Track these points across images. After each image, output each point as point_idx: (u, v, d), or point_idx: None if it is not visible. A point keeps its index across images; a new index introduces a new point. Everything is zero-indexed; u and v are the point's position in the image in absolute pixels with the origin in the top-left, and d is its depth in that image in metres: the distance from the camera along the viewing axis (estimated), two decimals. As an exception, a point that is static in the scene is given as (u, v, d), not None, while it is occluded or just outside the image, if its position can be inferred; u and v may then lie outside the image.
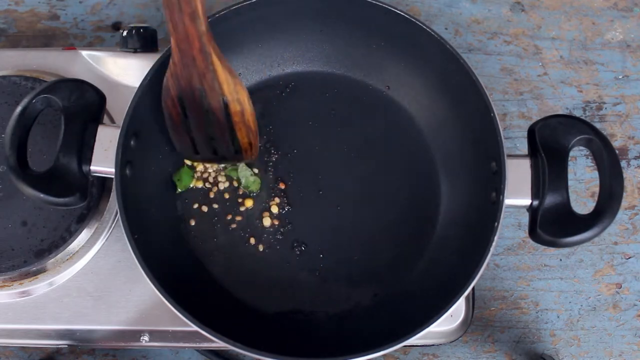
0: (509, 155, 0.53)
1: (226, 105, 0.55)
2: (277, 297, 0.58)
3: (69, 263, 0.59)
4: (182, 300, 0.49)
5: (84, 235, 0.59)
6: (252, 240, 0.60)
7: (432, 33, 0.57)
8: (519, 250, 0.69)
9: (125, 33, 0.65)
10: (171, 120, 0.57)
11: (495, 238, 0.50)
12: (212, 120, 0.56)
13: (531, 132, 0.53)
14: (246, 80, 0.65)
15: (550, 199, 0.51)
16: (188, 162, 0.62)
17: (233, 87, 0.54)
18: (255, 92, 0.65)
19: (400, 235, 0.60)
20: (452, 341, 0.59)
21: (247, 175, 0.61)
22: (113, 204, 0.61)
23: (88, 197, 0.53)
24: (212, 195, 0.61)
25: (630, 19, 0.78)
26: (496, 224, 0.50)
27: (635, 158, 0.73)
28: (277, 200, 0.61)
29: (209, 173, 0.62)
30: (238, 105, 0.55)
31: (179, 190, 0.61)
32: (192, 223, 0.60)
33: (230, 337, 0.48)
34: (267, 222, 0.60)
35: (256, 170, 0.62)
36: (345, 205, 0.61)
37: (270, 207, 0.61)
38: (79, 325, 0.58)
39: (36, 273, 0.58)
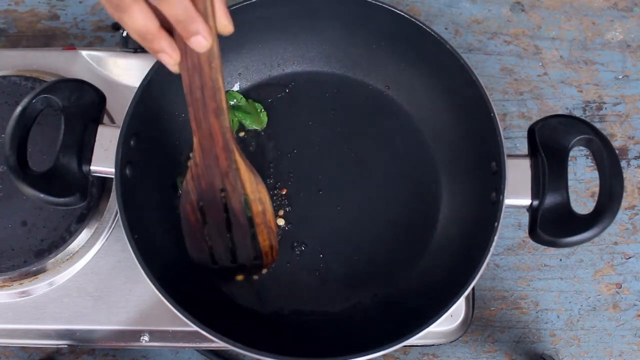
0: (509, 155, 0.53)
1: (247, 206, 0.54)
2: (277, 297, 0.58)
3: (69, 263, 0.59)
4: (182, 300, 0.49)
5: (84, 235, 0.59)
6: (252, 240, 0.60)
7: (432, 33, 0.57)
8: (519, 250, 0.69)
9: (125, 33, 0.65)
10: (189, 227, 0.55)
11: (495, 238, 0.50)
12: (233, 222, 0.55)
13: (531, 132, 0.53)
14: (246, 80, 0.65)
15: (550, 199, 0.51)
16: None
17: (255, 186, 0.53)
18: (255, 92, 0.65)
19: (400, 235, 0.60)
20: (452, 341, 0.59)
21: None
22: (113, 204, 0.61)
23: (88, 197, 0.53)
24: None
25: (630, 19, 0.78)
26: (496, 224, 0.50)
27: (635, 158, 0.73)
28: (281, 212, 0.61)
29: None
30: (260, 205, 0.54)
31: (180, 192, 0.61)
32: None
33: (230, 337, 0.48)
34: (281, 221, 0.60)
35: None
36: (345, 205, 0.61)
37: (276, 221, 0.60)
38: (79, 325, 0.58)
39: (36, 273, 0.58)
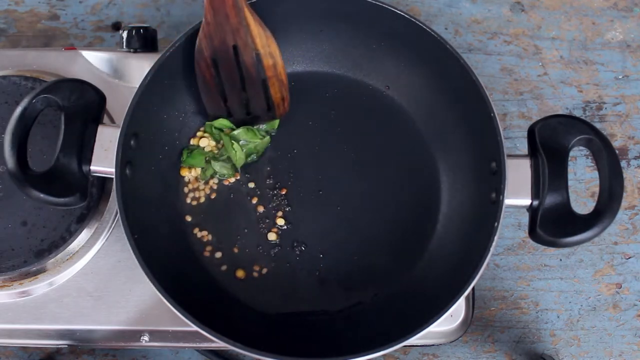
0: (509, 155, 0.53)
1: (259, 60, 0.57)
2: (277, 297, 0.58)
3: (69, 263, 0.59)
4: (182, 300, 0.49)
5: (84, 235, 0.59)
6: (252, 241, 0.60)
7: (432, 33, 0.57)
8: (519, 250, 0.69)
9: (125, 33, 0.65)
10: (204, 83, 0.58)
11: (495, 238, 0.50)
12: (246, 77, 0.58)
13: (531, 132, 0.53)
14: (246, 80, 0.65)
15: (550, 199, 0.51)
16: (196, 144, 0.62)
17: (265, 41, 0.56)
18: (255, 92, 0.65)
19: (400, 235, 0.60)
20: (452, 341, 0.59)
21: (219, 166, 0.61)
22: (113, 204, 0.61)
23: (88, 197, 0.53)
24: (213, 197, 0.61)
25: (630, 19, 0.78)
26: (496, 224, 0.50)
27: (635, 158, 0.73)
28: (281, 212, 0.61)
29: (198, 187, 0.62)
30: (270, 59, 0.57)
31: (182, 164, 0.61)
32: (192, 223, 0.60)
33: (230, 337, 0.48)
34: (272, 236, 0.60)
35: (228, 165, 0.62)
36: (345, 205, 0.61)
37: (275, 221, 0.60)
38: (79, 325, 0.58)
39: (36, 273, 0.58)
